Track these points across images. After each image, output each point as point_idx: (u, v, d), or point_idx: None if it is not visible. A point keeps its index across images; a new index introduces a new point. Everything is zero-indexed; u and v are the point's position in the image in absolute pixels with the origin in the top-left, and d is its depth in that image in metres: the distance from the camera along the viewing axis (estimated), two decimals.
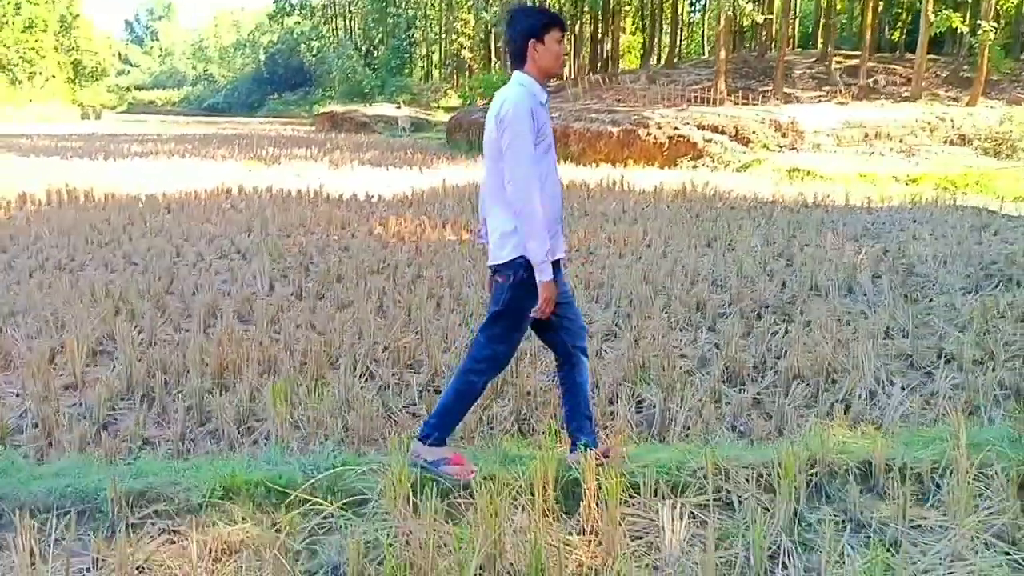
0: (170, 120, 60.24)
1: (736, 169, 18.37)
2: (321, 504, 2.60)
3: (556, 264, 2.92)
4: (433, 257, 7.57)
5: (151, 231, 8.95)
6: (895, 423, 3.63)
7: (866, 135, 19.55)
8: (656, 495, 2.83)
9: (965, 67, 23.63)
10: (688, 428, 3.57)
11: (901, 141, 19.50)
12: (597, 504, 2.67)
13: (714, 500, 2.85)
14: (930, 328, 5.35)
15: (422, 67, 61.19)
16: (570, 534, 2.63)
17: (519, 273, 2.86)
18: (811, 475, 2.97)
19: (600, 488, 2.70)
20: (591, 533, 2.62)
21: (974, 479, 2.93)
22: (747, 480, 2.89)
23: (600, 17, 30.56)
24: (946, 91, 23.24)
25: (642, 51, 33.21)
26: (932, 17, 21.83)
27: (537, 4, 24.37)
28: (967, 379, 4.29)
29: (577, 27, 33.41)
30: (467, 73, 46.42)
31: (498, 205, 2.91)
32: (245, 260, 7.45)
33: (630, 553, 2.57)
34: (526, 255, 2.82)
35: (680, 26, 38.87)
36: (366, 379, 4.21)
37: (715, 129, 19.67)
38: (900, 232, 9.40)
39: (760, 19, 22.05)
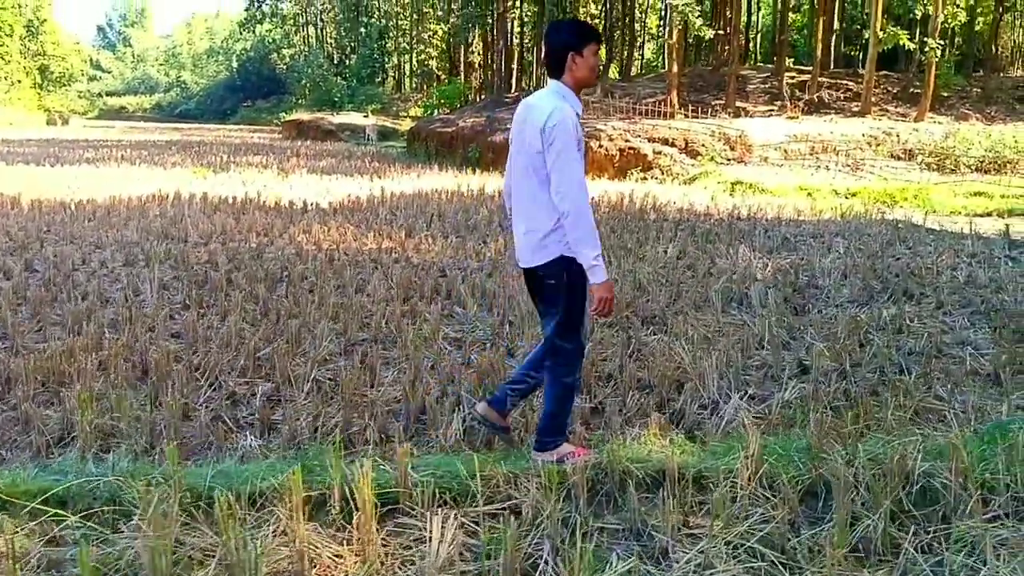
0: (138, 127, 59.60)
1: (684, 181, 18.53)
2: (62, 515, 2.60)
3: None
4: (337, 266, 7.55)
5: (67, 238, 8.87)
6: (720, 432, 3.68)
7: (813, 149, 19.81)
8: (443, 504, 2.85)
9: (916, 83, 24.05)
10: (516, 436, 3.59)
11: (847, 155, 19.77)
12: (370, 514, 2.68)
13: (501, 508, 2.88)
14: (802, 340, 5.43)
15: (394, 77, 61.16)
16: (341, 544, 2.64)
17: (571, 269, 3.03)
18: (601, 483, 3.01)
19: (384, 497, 2.73)
20: (361, 543, 2.63)
21: (760, 487, 2.99)
22: (536, 488, 2.92)
23: None
24: (895, 107, 23.62)
25: (602, 64, 33.48)
26: (880, 34, 22.19)
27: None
28: (813, 390, 4.36)
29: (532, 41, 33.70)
30: (435, 83, 46.49)
31: (536, 209, 3.05)
32: (148, 268, 7.39)
33: (398, 563, 2.59)
34: (570, 254, 3.00)
35: (641, 40, 39.24)
36: (214, 388, 4.20)
37: (665, 142, 19.84)
38: (817, 245, 9.54)
39: (710, 34, 22.30)
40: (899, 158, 19.81)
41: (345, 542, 2.65)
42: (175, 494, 2.63)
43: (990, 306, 6.42)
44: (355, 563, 2.54)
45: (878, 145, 20.14)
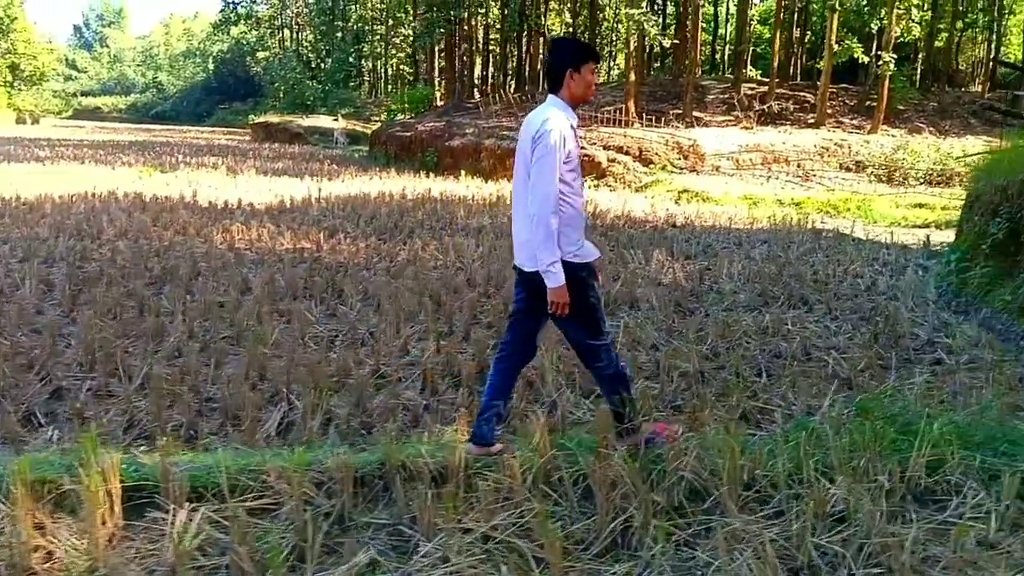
0: (109, 127, 59.16)
1: (636, 189, 18.59)
2: None
3: (590, 266, 3.26)
4: (236, 264, 7.47)
5: None
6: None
7: (765, 159, 19.95)
8: (202, 499, 2.80)
9: (872, 96, 24.26)
10: (319, 432, 3.55)
11: (799, 166, 19.94)
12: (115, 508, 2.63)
13: (270, 504, 2.83)
14: (672, 343, 5.42)
15: (369, 81, 61.04)
16: (82, 537, 2.58)
17: (569, 275, 3.11)
18: (381, 478, 2.97)
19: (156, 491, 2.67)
20: (95, 535, 2.57)
21: (542, 484, 2.96)
22: (308, 484, 2.88)
23: (519, 39, 30.83)
24: (851, 119, 23.83)
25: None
26: (836, 47, 22.42)
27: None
28: (660, 390, 4.36)
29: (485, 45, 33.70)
30: (405, 88, 46.42)
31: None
32: (45, 264, 7.29)
33: (140, 557, 2.54)
34: (565, 258, 3.10)
35: (611, 50, 39.40)
36: (43, 383, 4.13)
37: (620, 150, 19.91)
38: (736, 252, 9.57)
39: (668, 43, 22.41)
40: (849, 169, 19.99)
41: (87, 535, 2.59)
42: None
43: (877, 312, 6.45)
44: (91, 556, 2.48)
45: (829, 156, 20.32)
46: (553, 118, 3.08)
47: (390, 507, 2.87)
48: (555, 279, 3.07)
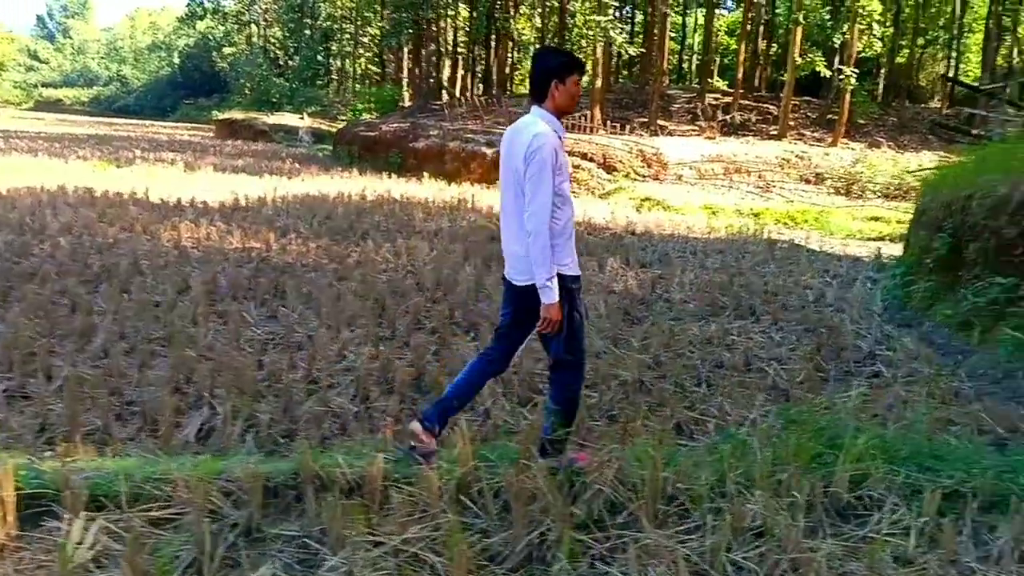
0: (69, 119, 58.02)
1: (600, 196, 18.61)
2: None
3: (578, 279, 3.24)
4: (179, 263, 7.30)
5: None
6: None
7: (727, 169, 20.11)
8: (102, 508, 2.68)
9: (834, 109, 24.63)
10: (239, 439, 3.44)
11: (760, 177, 20.13)
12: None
13: (176, 514, 2.73)
14: (612, 353, 5.38)
15: (337, 80, 60.55)
16: None
17: (562, 286, 3.10)
18: (295, 489, 2.88)
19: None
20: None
21: (463, 495, 2.89)
22: (217, 493, 2.78)
23: (487, 42, 30.75)
24: (812, 132, 24.16)
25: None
26: (798, 60, 22.71)
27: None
28: (599, 398, 4.32)
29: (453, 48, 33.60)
30: (372, 88, 46.15)
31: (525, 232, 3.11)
32: None
33: (33, 568, 2.42)
34: (558, 270, 3.08)
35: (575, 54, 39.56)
36: None
37: (584, 156, 19.91)
38: (692, 260, 9.60)
39: (634, 52, 22.54)
40: (809, 181, 20.23)
41: None
42: None
43: (823, 324, 6.49)
44: None
45: (790, 168, 20.55)
46: (542, 132, 3.04)
47: (302, 519, 2.78)
48: (550, 295, 3.06)
